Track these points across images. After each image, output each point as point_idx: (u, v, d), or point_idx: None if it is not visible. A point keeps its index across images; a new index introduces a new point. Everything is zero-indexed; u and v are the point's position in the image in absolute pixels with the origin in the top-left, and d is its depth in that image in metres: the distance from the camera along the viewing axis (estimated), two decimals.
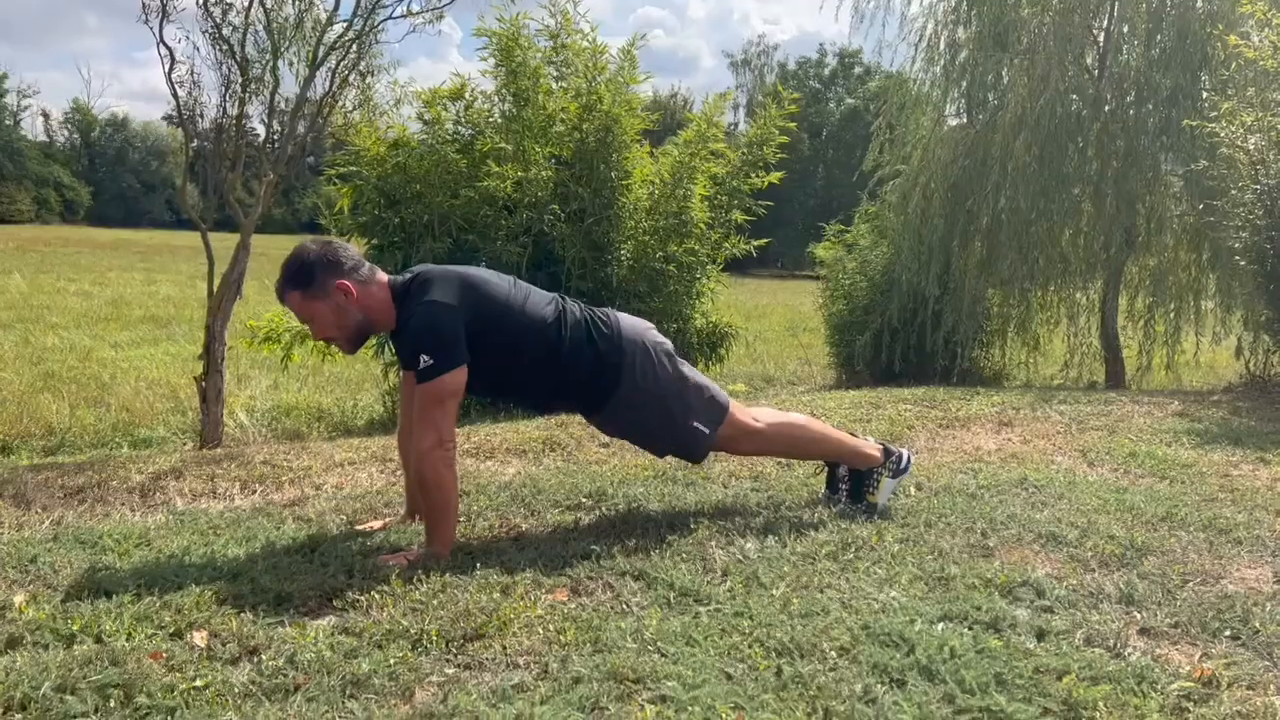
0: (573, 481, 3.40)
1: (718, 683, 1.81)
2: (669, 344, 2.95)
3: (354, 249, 2.74)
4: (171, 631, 2.02)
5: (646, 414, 2.86)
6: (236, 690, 1.77)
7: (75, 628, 2.01)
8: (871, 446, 3.09)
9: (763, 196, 8.01)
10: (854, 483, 3.07)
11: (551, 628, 2.06)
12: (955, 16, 8.92)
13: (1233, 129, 6.31)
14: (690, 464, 3.23)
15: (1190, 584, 2.41)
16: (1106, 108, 8.26)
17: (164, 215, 58.55)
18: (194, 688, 1.77)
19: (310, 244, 2.68)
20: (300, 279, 2.64)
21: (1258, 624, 2.14)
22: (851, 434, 3.22)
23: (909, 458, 3.08)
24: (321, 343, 3.79)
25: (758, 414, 3.06)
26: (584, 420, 4.03)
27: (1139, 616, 2.19)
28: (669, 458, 3.17)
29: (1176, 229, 8.56)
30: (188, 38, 5.03)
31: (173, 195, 50.37)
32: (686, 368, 2.93)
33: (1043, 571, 2.46)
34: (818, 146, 43.90)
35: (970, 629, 2.07)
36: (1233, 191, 6.46)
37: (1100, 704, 1.73)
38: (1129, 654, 1.97)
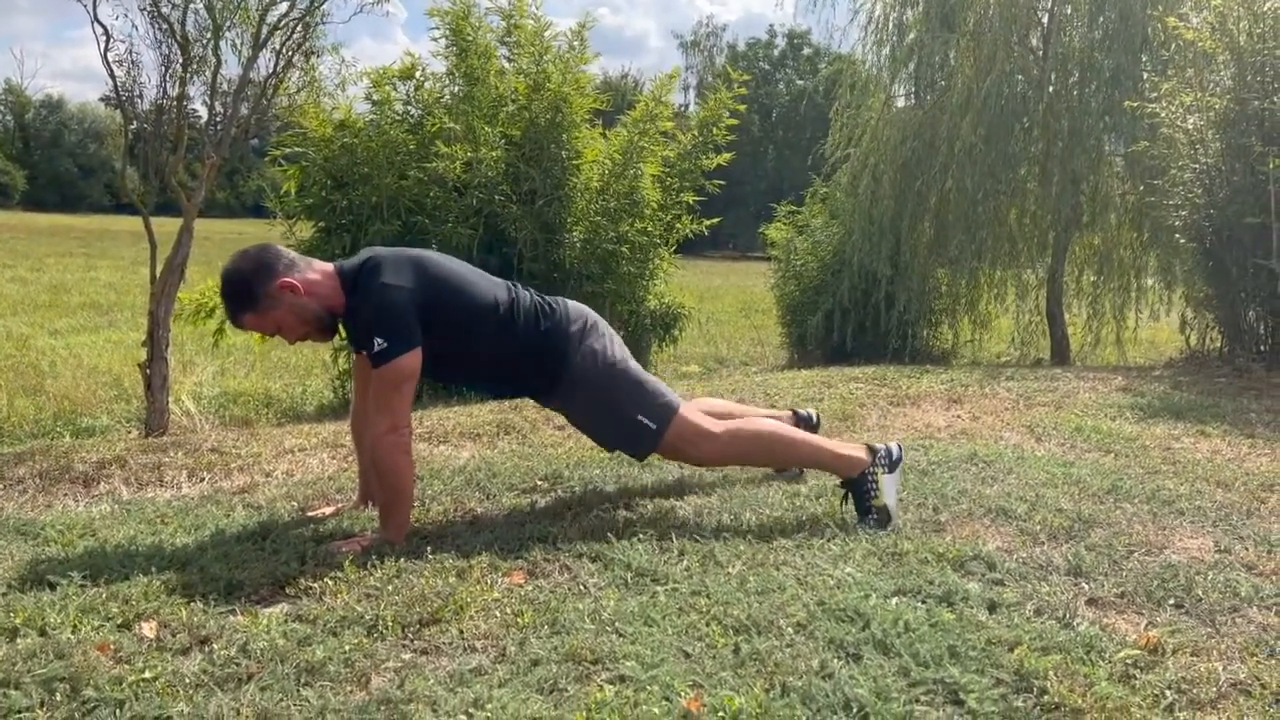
0: (528, 464, 3.39)
1: (676, 661, 1.82)
2: (614, 333, 2.94)
3: (277, 246, 2.68)
4: (119, 623, 1.98)
5: (593, 398, 2.84)
6: (187, 681, 1.74)
7: (18, 621, 1.96)
8: (853, 447, 2.85)
9: (714, 177, 8.02)
10: (855, 496, 2.74)
11: (509, 610, 2.05)
12: None
13: (1172, 109, 6.42)
14: (634, 459, 3.02)
15: (1135, 554, 2.47)
16: (1051, 88, 8.37)
17: (103, 199, 56.98)
18: (143, 679, 1.73)
19: (235, 263, 2.61)
20: (244, 300, 2.59)
21: (1200, 592, 2.19)
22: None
23: (899, 449, 2.80)
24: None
25: (716, 412, 2.99)
26: (538, 404, 4.01)
27: (1087, 587, 2.24)
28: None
29: (1120, 208, 8.72)
30: (125, 15, 4.88)
31: (112, 179, 49.13)
32: (635, 364, 2.91)
33: (993, 545, 2.50)
34: (768, 128, 44.09)
35: (924, 603, 2.10)
36: (1172, 171, 6.58)
37: (1051, 673, 1.76)
38: (1078, 624, 2.01)
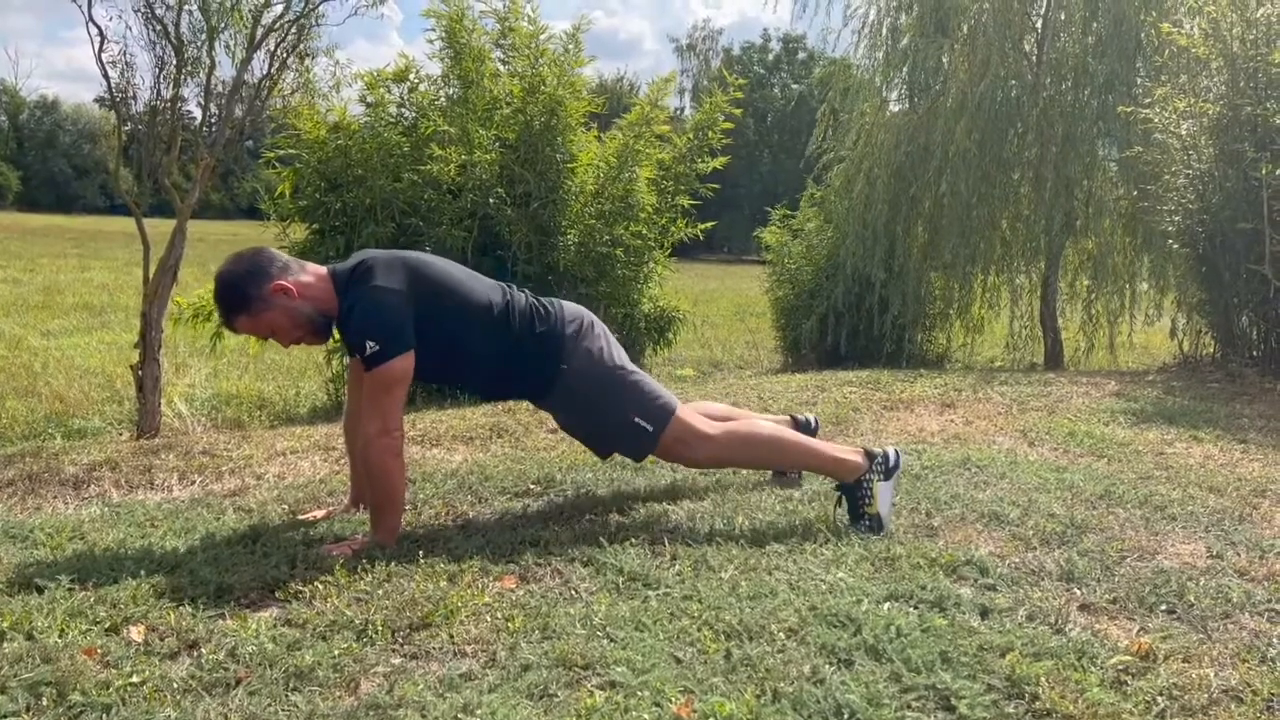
0: (521, 468, 3.38)
1: (667, 666, 1.81)
2: (611, 334, 2.94)
3: (271, 249, 2.68)
4: (107, 627, 1.97)
5: (589, 400, 2.82)
6: (175, 685, 1.73)
7: (5, 625, 1.95)
8: (850, 451, 2.80)
9: (709, 181, 8.02)
10: (849, 501, 2.73)
11: (499, 615, 2.04)
12: (897, 2, 8.98)
13: (1166, 115, 6.44)
14: (633, 461, 3.04)
15: (1128, 560, 2.47)
16: (1045, 93, 8.37)
17: (97, 200, 57.09)
18: (130, 684, 1.72)
19: (228, 266, 2.62)
20: (237, 303, 2.59)
21: (1192, 598, 2.19)
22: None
23: (896, 454, 2.76)
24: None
25: (713, 414, 2.98)
26: (532, 407, 4.01)
27: (1079, 593, 2.24)
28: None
29: (1113, 213, 8.72)
30: (119, 16, 4.87)
31: (106, 180, 49.02)
32: (630, 364, 2.90)
33: (986, 550, 2.50)
34: (763, 131, 44.13)
35: (916, 608, 2.09)
36: (1166, 176, 6.59)
37: (1042, 679, 1.76)
38: (1070, 630, 2.01)
